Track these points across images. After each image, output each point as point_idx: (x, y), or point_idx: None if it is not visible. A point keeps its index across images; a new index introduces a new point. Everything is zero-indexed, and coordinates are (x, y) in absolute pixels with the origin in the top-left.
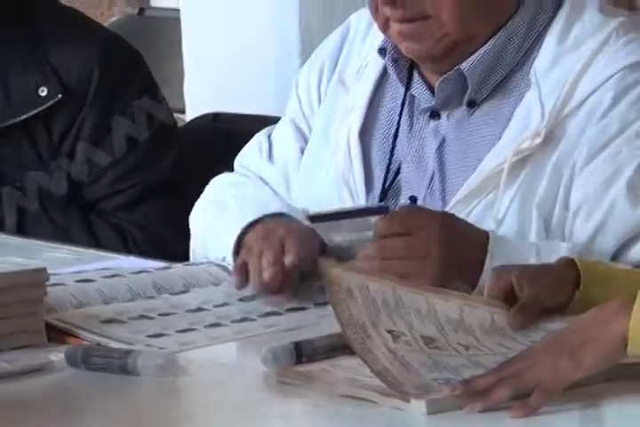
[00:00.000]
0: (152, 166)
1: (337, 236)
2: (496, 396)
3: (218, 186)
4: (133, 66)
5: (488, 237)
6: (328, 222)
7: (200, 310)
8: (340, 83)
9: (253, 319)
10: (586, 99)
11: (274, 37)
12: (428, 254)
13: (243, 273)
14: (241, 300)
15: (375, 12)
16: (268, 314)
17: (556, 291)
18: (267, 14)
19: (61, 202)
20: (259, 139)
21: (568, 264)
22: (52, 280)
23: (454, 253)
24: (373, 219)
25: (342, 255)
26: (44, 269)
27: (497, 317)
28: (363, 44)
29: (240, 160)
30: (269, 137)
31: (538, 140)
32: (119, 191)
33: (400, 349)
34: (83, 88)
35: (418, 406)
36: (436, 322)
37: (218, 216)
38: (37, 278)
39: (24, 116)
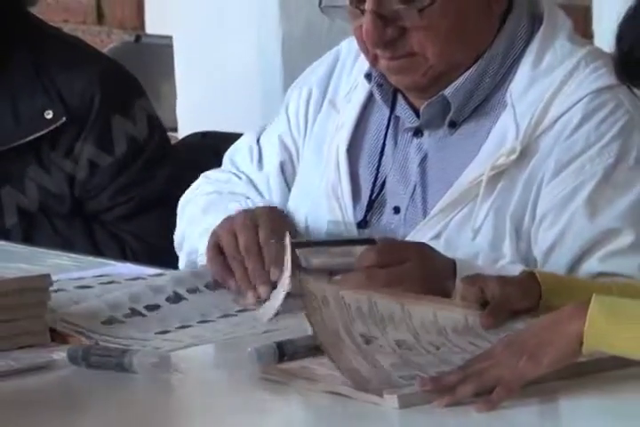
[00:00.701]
0: (149, 181)
1: (316, 259)
2: (461, 392)
3: (212, 182)
4: (131, 90)
5: (455, 264)
6: (309, 249)
7: (182, 299)
8: (331, 105)
9: (239, 324)
10: (557, 120)
11: (259, 63)
12: (410, 282)
13: (226, 269)
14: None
15: (364, 49)
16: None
17: (523, 297)
18: (252, 42)
19: (65, 211)
20: (249, 141)
21: (529, 276)
22: (54, 286)
23: (432, 278)
24: (357, 248)
25: (317, 278)
26: (48, 275)
27: (470, 318)
28: (352, 69)
29: (231, 158)
30: (258, 141)
31: (513, 157)
32: (119, 204)
33: (372, 349)
34: (85, 111)
35: (390, 401)
36: (410, 326)
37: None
38: (42, 284)
39: (31, 137)
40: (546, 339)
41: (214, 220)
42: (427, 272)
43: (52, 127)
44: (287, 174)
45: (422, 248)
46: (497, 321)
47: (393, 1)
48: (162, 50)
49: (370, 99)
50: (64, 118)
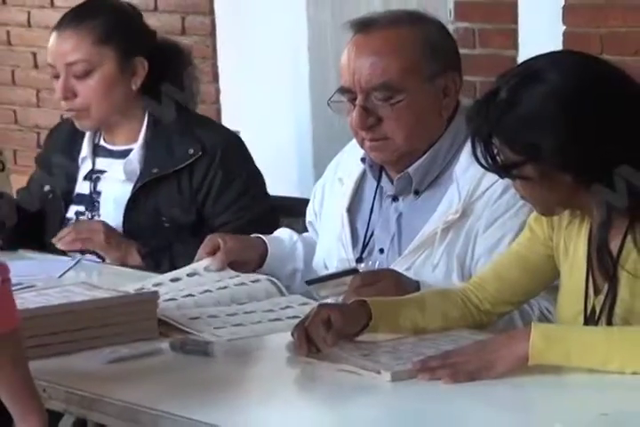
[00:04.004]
0: (254, 209)
1: (323, 291)
2: (439, 373)
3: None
4: (239, 147)
5: (418, 283)
6: (318, 284)
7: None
8: (338, 180)
9: (281, 319)
10: (485, 191)
11: (297, 157)
12: (388, 294)
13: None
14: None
15: (356, 134)
16: (292, 317)
17: (356, 320)
18: (291, 136)
19: (189, 223)
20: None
21: (361, 304)
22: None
23: (402, 290)
24: (347, 279)
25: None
26: (157, 292)
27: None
28: (353, 156)
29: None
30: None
31: (457, 215)
32: (234, 220)
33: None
34: (214, 153)
35: (385, 376)
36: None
37: None
38: (152, 297)
39: (178, 167)
40: (502, 354)
41: None
42: (398, 286)
43: (191, 160)
44: (315, 229)
45: (392, 271)
46: (336, 341)
47: (374, 99)
48: None
49: (363, 175)
50: (200, 153)
